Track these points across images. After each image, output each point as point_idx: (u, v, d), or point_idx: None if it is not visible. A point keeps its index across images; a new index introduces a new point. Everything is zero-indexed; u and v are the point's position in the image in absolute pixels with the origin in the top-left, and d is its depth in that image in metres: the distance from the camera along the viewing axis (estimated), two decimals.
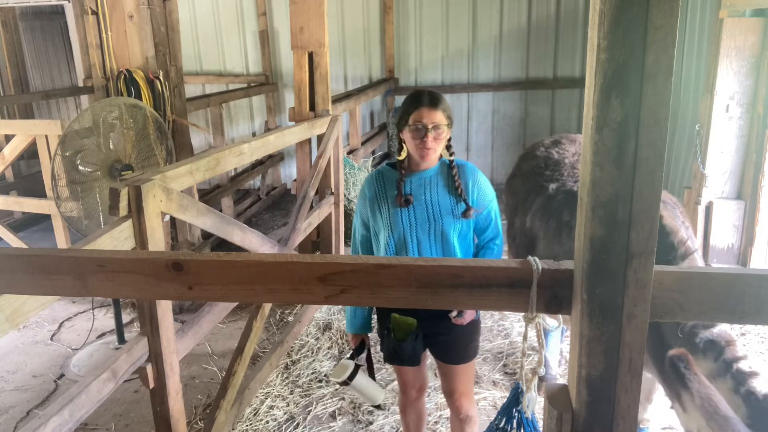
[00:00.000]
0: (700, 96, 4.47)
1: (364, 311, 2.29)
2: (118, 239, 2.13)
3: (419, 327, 2.19)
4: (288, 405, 3.24)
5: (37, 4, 8.49)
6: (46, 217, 5.32)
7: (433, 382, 3.22)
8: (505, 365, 3.54)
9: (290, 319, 4.20)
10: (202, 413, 3.22)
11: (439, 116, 2.04)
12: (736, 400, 1.70)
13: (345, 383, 2.21)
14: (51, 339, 4.13)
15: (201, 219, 2.59)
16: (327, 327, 4.06)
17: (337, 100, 5.36)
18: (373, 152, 7.25)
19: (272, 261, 1.29)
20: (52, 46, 10.41)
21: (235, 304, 3.29)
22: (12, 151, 4.52)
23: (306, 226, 3.90)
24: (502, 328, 3.97)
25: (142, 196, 2.17)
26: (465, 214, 2.10)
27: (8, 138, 4.89)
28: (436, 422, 3.02)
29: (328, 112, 4.53)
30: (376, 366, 3.51)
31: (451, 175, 2.13)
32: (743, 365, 1.77)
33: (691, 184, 4.45)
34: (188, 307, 4.43)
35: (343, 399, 3.25)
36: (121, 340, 3.81)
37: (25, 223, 6.50)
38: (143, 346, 2.31)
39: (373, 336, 2.40)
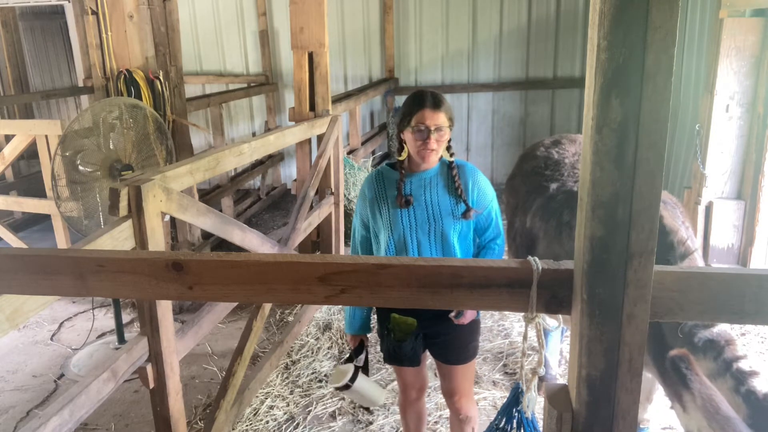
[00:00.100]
0: (700, 96, 4.47)
1: (363, 312, 2.29)
2: (118, 239, 2.13)
3: (419, 327, 2.19)
4: (288, 405, 3.24)
5: (37, 4, 8.49)
6: (46, 217, 5.33)
7: (433, 382, 3.22)
8: (505, 365, 3.54)
9: (290, 319, 4.20)
10: (202, 413, 3.22)
11: (441, 118, 2.04)
12: (736, 400, 1.70)
13: (346, 386, 2.18)
14: (51, 339, 4.13)
15: (201, 219, 2.59)
16: (327, 327, 4.06)
17: (337, 100, 5.36)
18: (373, 152, 7.25)
19: (272, 261, 1.29)
20: (52, 46, 10.42)
21: (235, 304, 3.29)
22: (12, 151, 4.52)
23: (306, 226, 3.90)
24: (502, 328, 3.97)
25: (142, 196, 2.17)
26: (465, 214, 2.10)
27: (8, 138, 4.89)
28: (436, 422, 3.02)
29: (328, 112, 4.53)
30: (376, 366, 3.52)
31: (451, 175, 2.13)
32: (743, 365, 1.77)
33: (691, 184, 4.45)
34: (188, 307, 4.43)
35: (343, 399, 3.25)
36: (121, 340, 3.81)
37: (25, 223, 6.50)
38: (143, 346, 2.31)
39: (373, 336, 2.40)
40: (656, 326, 1.99)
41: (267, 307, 3.16)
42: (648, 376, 2.15)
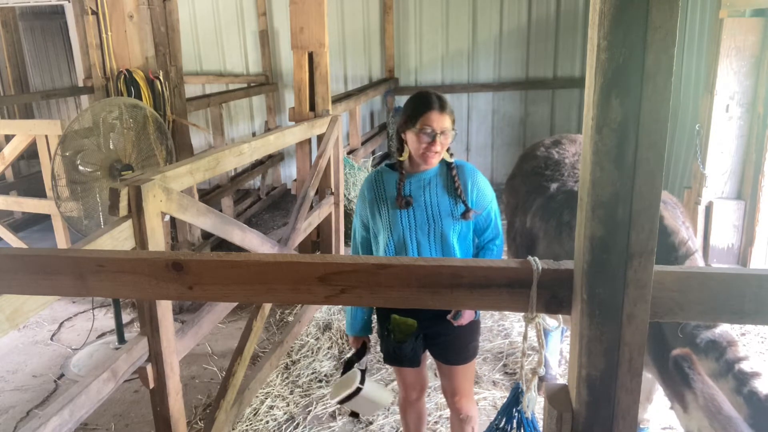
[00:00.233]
0: (700, 96, 4.47)
1: (364, 313, 2.28)
2: (118, 239, 2.13)
3: (419, 328, 2.19)
4: (288, 405, 3.24)
5: (37, 4, 8.49)
6: (46, 217, 5.33)
7: (433, 382, 3.22)
8: (505, 365, 3.54)
9: (290, 319, 4.20)
10: (202, 413, 3.22)
11: (447, 121, 2.05)
12: (737, 401, 1.70)
13: (356, 392, 2.12)
14: (51, 339, 4.13)
15: (201, 219, 2.59)
16: (327, 327, 4.06)
17: (337, 100, 5.36)
18: (373, 152, 7.25)
19: (272, 261, 1.29)
20: (52, 46, 10.42)
21: (235, 304, 3.29)
22: (12, 151, 4.52)
23: (306, 226, 3.90)
24: (502, 328, 3.97)
25: (142, 196, 2.17)
26: (464, 215, 2.10)
27: (8, 138, 4.89)
28: (436, 422, 3.02)
29: (328, 112, 4.53)
30: (376, 366, 3.52)
31: (451, 176, 2.13)
32: (745, 366, 1.77)
33: (691, 184, 4.45)
34: (188, 307, 4.43)
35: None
36: (121, 340, 3.81)
37: (25, 223, 6.50)
38: (143, 346, 2.31)
39: (372, 337, 2.40)
40: (657, 326, 1.99)
41: (267, 307, 3.16)
42: (648, 376, 2.15)
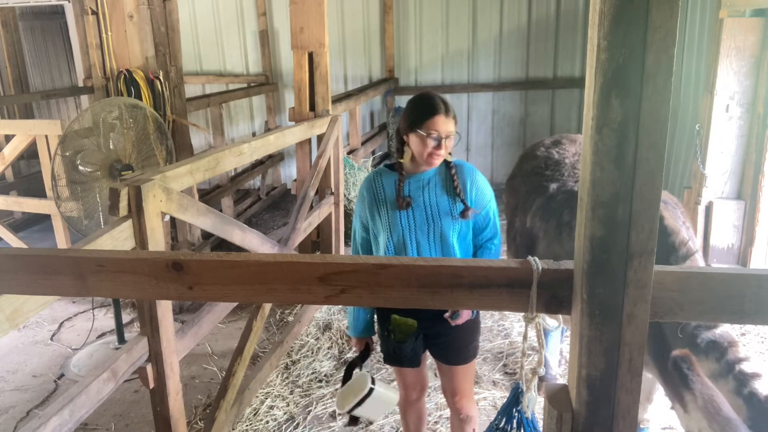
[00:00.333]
0: (700, 96, 4.47)
1: (366, 314, 2.28)
2: (118, 239, 2.13)
3: (419, 328, 2.19)
4: (288, 405, 3.24)
5: (37, 4, 8.49)
6: (46, 217, 5.33)
7: (433, 382, 3.22)
8: (505, 365, 3.54)
9: (290, 319, 4.20)
10: (202, 413, 3.22)
11: (451, 125, 2.06)
12: (737, 402, 1.70)
13: (368, 394, 2.05)
14: (51, 339, 4.13)
15: (201, 219, 2.59)
16: (327, 327, 4.06)
17: (337, 100, 5.36)
18: (373, 152, 7.25)
19: (272, 261, 1.29)
20: (52, 46, 10.42)
21: (235, 304, 3.29)
22: (12, 151, 4.52)
23: (306, 226, 3.90)
24: (502, 328, 3.97)
25: (142, 196, 2.17)
26: (463, 214, 2.10)
27: (8, 138, 4.89)
28: (436, 422, 3.02)
29: (328, 112, 4.53)
30: (376, 366, 3.52)
31: (450, 175, 2.13)
32: (745, 367, 1.76)
33: (691, 184, 4.45)
34: (188, 307, 4.43)
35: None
36: (121, 340, 3.81)
37: (25, 223, 6.50)
38: (143, 346, 2.31)
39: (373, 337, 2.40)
40: (657, 326, 1.99)
41: (267, 307, 3.16)
42: (648, 376, 2.15)
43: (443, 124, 2.03)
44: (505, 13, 7.55)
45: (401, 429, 2.68)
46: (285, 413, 3.17)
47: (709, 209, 4.27)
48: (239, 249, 2.97)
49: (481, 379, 3.38)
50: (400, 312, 2.18)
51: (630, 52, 0.98)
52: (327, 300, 1.29)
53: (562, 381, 2.30)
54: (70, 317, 4.43)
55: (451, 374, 2.29)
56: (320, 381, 3.44)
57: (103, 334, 4.16)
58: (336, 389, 3.34)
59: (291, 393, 3.34)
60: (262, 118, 8.29)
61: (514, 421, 1.42)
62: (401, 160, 2.16)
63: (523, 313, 1.24)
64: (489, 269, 1.21)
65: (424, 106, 2.06)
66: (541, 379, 2.97)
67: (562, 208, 2.69)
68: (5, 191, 5.97)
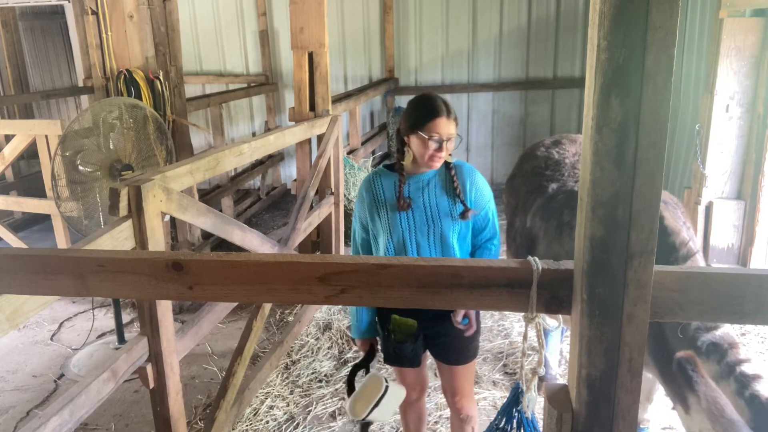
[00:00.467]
0: (700, 96, 4.47)
1: (368, 315, 2.27)
2: (118, 239, 2.13)
3: (420, 328, 2.19)
4: (288, 405, 3.24)
5: (37, 4, 8.49)
6: (46, 217, 5.33)
7: (433, 382, 3.22)
8: (505, 365, 3.54)
9: (290, 319, 4.20)
10: (202, 413, 3.22)
11: (453, 127, 2.06)
12: (739, 403, 1.69)
13: (384, 393, 2.03)
14: (51, 339, 4.13)
15: (201, 219, 2.59)
16: (327, 327, 4.06)
17: (337, 100, 5.36)
18: (373, 152, 7.25)
19: (272, 261, 1.29)
20: (52, 46, 10.42)
21: (235, 304, 3.29)
22: (12, 151, 4.52)
23: (306, 226, 3.90)
24: (502, 328, 3.97)
25: (142, 196, 2.17)
26: (463, 215, 2.10)
27: (8, 138, 4.89)
28: (436, 422, 3.02)
29: (328, 112, 4.53)
30: (376, 366, 3.52)
31: (450, 176, 2.13)
32: (747, 368, 1.76)
33: (691, 184, 4.45)
34: (188, 307, 4.43)
35: (344, 399, 3.24)
36: (121, 340, 3.81)
37: (25, 223, 6.50)
38: (143, 346, 2.31)
39: None
40: (658, 326, 1.99)
41: (267, 307, 3.16)
42: (648, 376, 2.15)
43: (444, 127, 2.03)
44: (505, 13, 7.55)
45: (401, 429, 2.68)
46: (285, 413, 3.17)
47: (709, 209, 4.27)
48: (239, 249, 2.97)
49: (481, 379, 3.38)
50: (400, 312, 2.18)
51: (630, 52, 0.98)
52: (327, 300, 1.29)
53: (562, 381, 2.30)
54: (70, 317, 4.43)
55: (451, 374, 2.29)
56: (320, 381, 3.44)
57: (103, 334, 4.16)
58: (336, 389, 3.34)
59: (291, 393, 3.34)
60: (262, 118, 8.29)
61: (514, 421, 1.43)
62: (402, 162, 2.16)
63: (523, 313, 1.24)
64: (489, 269, 1.21)
65: (426, 108, 2.06)
66: (541, 379, 2.97)
67: (562, 208, 2.69)
68: (5, 191, 5.97)
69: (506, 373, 3.47)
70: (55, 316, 4.45)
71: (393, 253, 2.14)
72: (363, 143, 6.72)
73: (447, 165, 2.14)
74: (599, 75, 1.01)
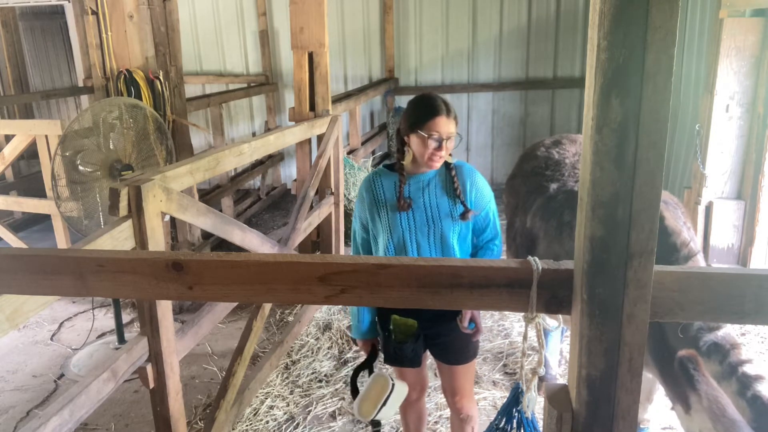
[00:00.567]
0: (700, 96, 4.47)
1: (369, 315, 2.27)
2: (118, 239, 2.13)
3: (420, 328, 2.19)
4: (288, 405, 3.24)
5: (37, 4, 8.49)
6: (46, 217, 5.33)
7: (433, 382, 3.22)
8: (505, 365, 3.54)
9: (290, 319, 4.20)
10: (202, 413, 3.22)
11: (453, 126, 2.05)
12: (740, 404, 1.69)
13: (390, 393, 2.04)
14: (51, 339, 4.13)
15: (201, 219, 2.59)
16: (327, 327, 4.06)
17: (337, 100, 5.36)
18: (373, 152, 7.25)
19: (272, 261, 1.29)
20: (52, 46, 10.42)
21: (235, 304, 3.29)
22: (12, 151, 4.52)
23: (306, 226, 3.90)
24: (502, 328, 3.97)
25: (142, 196, 2.17)
26: (463, 216, 2.10)
27: (8, 138, 4.89)
28: (436, 422, 3.02)
29: (328, 112, 4.53)
30: (376, 366, 3.52)
31: (450, 177, 2.12)
32: (748, 369, 1.76)
33: (691, 184, 4.45)
34: (188, 307, 4.43)
35: (343, 399, 3.25)
36: (121, 340, 3.81)
37: (25, 223, 6.50)
38: (143, 346, 2.31)
39: None
40: (658, 326, 1.99)
41: (267, 307, 3.16)
42: (648, 376, 2.15)
43: (444, 125, 2.03)
44: (505, 13, 7.55)
45: (401, 429, 2.68)
46: (285, 413, 3.17)
47: (709, 209, 4.27)
48: (239, 249, 2.97)
49: (481, 379, 3.38)
50: (400, 312, 2.18)
51: (630, 52, 0.98)
52: (327, 300, 1.29)
53: (562, 381, 2.30)
54: (70, 317, 4.43)
55: (451, 374, 2.29)
56: (320, 381, 3.44)
57: (103, 334, 4.16)
58: (336, 389, 3.34)
59: (291, 393, 3.34)
60: (262, 118, 8.29)
61: (514, 421, 1.43)
62: (402, 162, 2.16)
63: (523, 313, 1.24)
64: (489, 269, 1.21)
65: (425, 107, 2.06)
66: (541, 379, 2.97)
67: (562, 208, 2.69)
68: (5, 191, 5.97)
69: (506, 373, 3.47)
70: (55, 316, 4.45)
71: (393, 253, 2.14)
72: (363, 143, 6.72)
73: (447, 165, 2.14)
74: (599, 75, 1.01)
